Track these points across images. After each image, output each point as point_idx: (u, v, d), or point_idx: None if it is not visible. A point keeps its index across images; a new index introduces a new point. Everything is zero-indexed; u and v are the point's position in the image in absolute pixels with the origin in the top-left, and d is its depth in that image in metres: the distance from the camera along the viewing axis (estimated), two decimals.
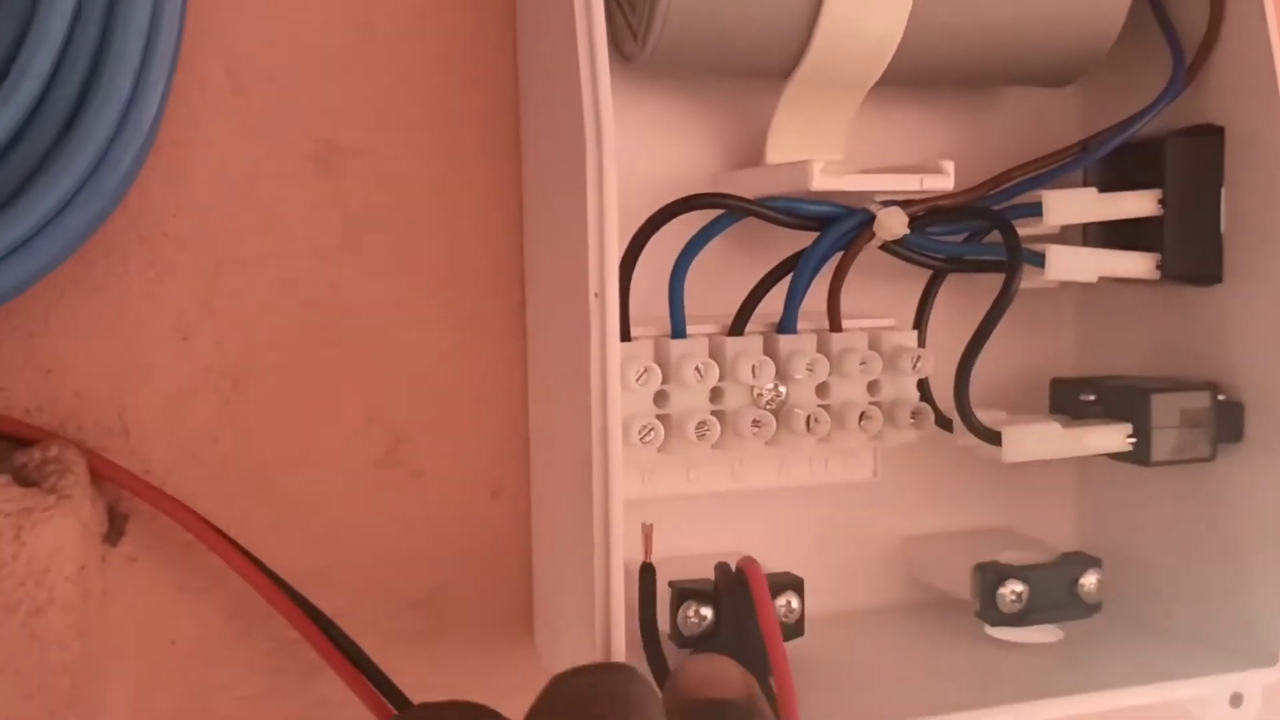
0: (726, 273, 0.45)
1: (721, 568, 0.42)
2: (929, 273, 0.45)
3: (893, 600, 0.49)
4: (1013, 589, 0.44)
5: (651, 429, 0.39)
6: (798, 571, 0.43)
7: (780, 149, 0.44)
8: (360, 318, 0.43)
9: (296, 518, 0.43)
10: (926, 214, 0.42)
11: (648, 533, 0.38)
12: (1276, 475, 0.43)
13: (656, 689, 0.33)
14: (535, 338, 0.44)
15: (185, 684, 0.42)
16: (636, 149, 0.45)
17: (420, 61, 0.44)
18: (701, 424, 0.40)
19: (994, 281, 0.42)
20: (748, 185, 0.43)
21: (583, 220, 0.35)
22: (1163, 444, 0.43)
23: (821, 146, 0.44)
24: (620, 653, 0.36)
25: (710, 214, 0.40)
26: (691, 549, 0.45)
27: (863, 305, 0.45)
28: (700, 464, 0.44)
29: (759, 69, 0.43)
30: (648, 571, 0.38)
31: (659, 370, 0.39)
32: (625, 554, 0.36)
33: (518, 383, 0.45)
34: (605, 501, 0.35)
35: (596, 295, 0.35)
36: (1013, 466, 0.44)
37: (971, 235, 0.45)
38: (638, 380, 0.39)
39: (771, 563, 0.44)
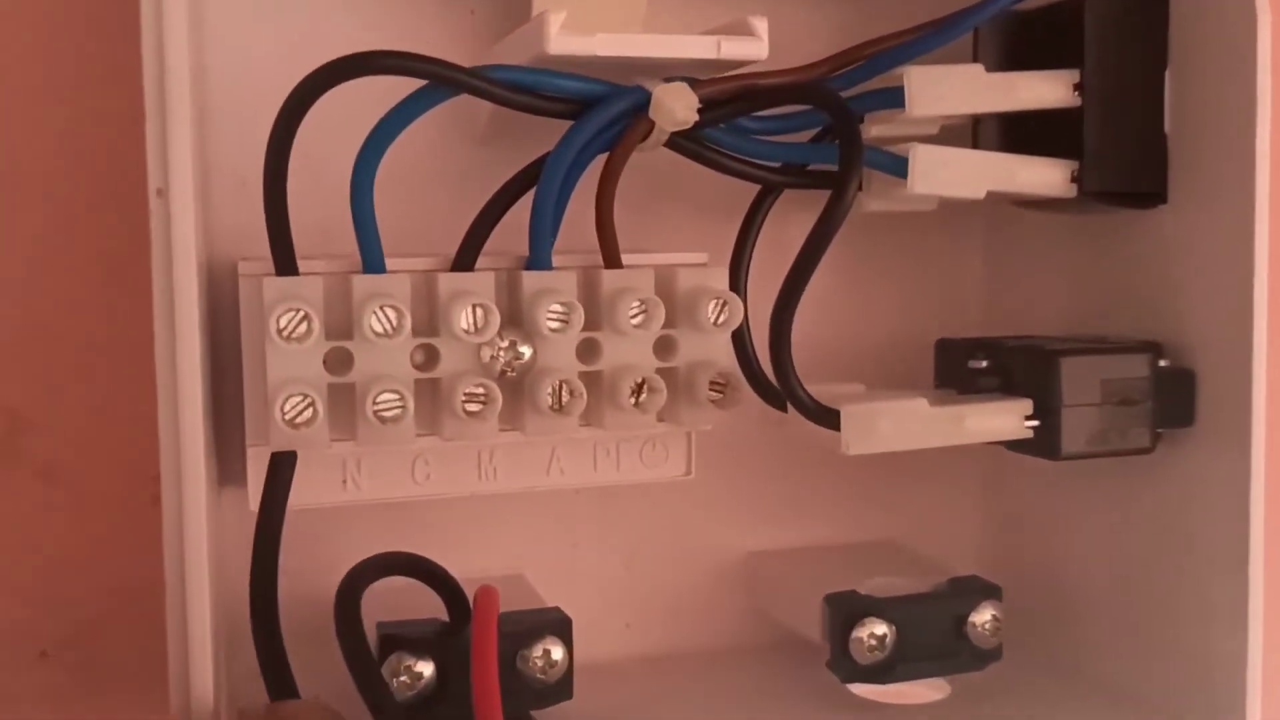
0: (487, 194, 0.33)
1: (453, 603, 0.30)
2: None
3: (728, 641, 0.37)
4: (872, 631, 0.32)
5: (308, 404, 0.26)
6: (603, 608, 0.34)
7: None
8: None
9: None
10: (735, 98, 0.29)
11: None
12: (1238, 471, 0.30)
13: None
14: None
15: None
16: (362, 25, 0.32)
17: None
18: (389, 397, 0.27)
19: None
20: (495, 58, 0.30)
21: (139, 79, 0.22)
22: (1077, 429, 0.30)
23: (610, 13, 0.31)
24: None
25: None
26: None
27: (694, 242, 0.33)
28: (434, 458, 0.31)
29: None
30: None
31: (318, 318, 0.26)
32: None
33: None
34: (178, 509, 0.23)
35: (160, 193, 0.22)
36: (896, 460, 0.32)
37: (822, 134, 0.32)
38: (286, 332, 0.26)
39: (562, 596, 0.32)
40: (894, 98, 0.30)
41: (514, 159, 0.33)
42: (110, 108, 0.32)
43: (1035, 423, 0.30)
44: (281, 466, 0.27)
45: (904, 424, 0.29)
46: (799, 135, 0.32)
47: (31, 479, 0.32)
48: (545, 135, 0.29)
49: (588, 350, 0.29)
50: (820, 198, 0.31)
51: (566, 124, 0.29)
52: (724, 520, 0.37)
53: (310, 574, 0.32)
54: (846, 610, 0.32)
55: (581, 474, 0.33)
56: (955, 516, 0.39)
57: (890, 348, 0.37)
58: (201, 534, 0.24)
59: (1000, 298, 0.38)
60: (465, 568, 0.31)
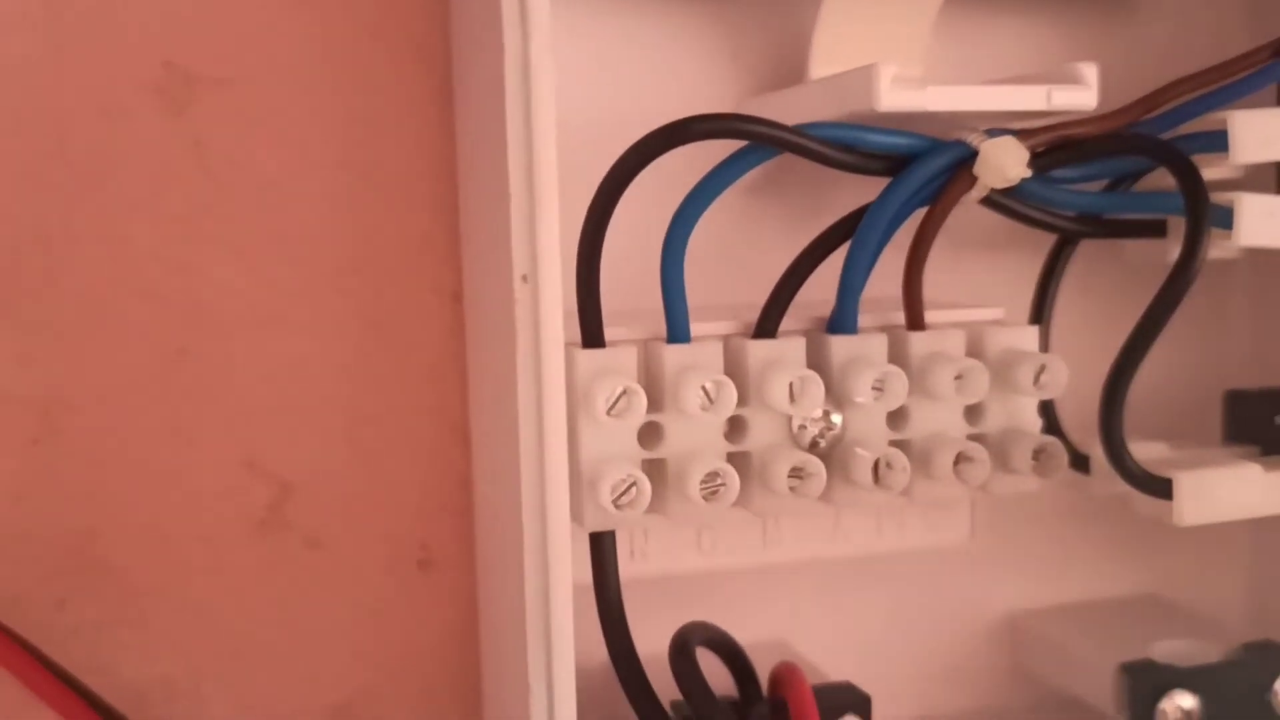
0: (754, 245, 0.32)
1: (743, 678, 0.28)
2: (1050, 239, 0.31)
3: (992, 703, 0.35)
4: (1178, 704, 0.30)
5: (632, 485, 0.25)
6: (864, 672, 0.31)
7: (829, 59, 0.30)
8: (226, 318, 0.31)
9: (139, 606, 0.31)
10: (1053, 148, 0.28)
11: None
12: None
13: None
14: (475, 345, 0.30)
15: None
16: (624, 74, 0.31)
17: None
18: (711, 476, 0.26)
19: (1138, 251, 0.29)
20: (785, 111, 0.29)
21: (504, 168, 0.21)
22: None
23: (889, 57, 0.30)
24: None
25: (721, 154, 0.26)
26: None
27: (951, 290, 0.32)
28: (720, 526, 0.30)
29: None
30: None
31: (642, 393, 0.25)
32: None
33: (453, 408, 0.32)
34: (544, 589, 0.22)
35: (525, 279, 0.21)
36: None
37: (1114, 183, 0.31)
38: (610, 408, 0.25)
39: (825, 662, 0.32)
40: (1206, 142, 0.29)
41: (778, 207, 0.32)
42: (380, 173, 0.31)
43: None
44: (605, 549, 0.26)
45: (1240, 492, 0.28)
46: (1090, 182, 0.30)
47: (300, 547, 0.31)
48: (812, 182, 0.28)
49: (897, 417, 0.28)
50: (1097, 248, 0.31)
51: (835, 173, 0.27)
52: (984, 578, 0.35)
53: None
54: (1150, 682, 0.30)
55: (866, 541, 0.31)
56: (1218, 571, 0.37)
57: (1154, 397, 0.36)
58: (568, 623, 0.23)
59: (1270, 343, 0.36)
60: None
